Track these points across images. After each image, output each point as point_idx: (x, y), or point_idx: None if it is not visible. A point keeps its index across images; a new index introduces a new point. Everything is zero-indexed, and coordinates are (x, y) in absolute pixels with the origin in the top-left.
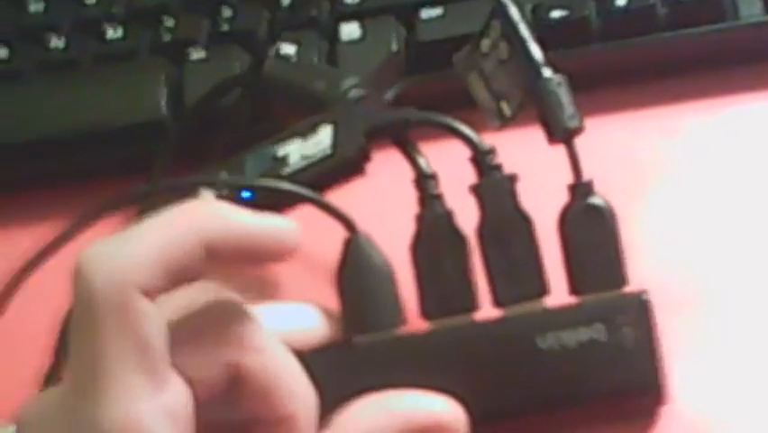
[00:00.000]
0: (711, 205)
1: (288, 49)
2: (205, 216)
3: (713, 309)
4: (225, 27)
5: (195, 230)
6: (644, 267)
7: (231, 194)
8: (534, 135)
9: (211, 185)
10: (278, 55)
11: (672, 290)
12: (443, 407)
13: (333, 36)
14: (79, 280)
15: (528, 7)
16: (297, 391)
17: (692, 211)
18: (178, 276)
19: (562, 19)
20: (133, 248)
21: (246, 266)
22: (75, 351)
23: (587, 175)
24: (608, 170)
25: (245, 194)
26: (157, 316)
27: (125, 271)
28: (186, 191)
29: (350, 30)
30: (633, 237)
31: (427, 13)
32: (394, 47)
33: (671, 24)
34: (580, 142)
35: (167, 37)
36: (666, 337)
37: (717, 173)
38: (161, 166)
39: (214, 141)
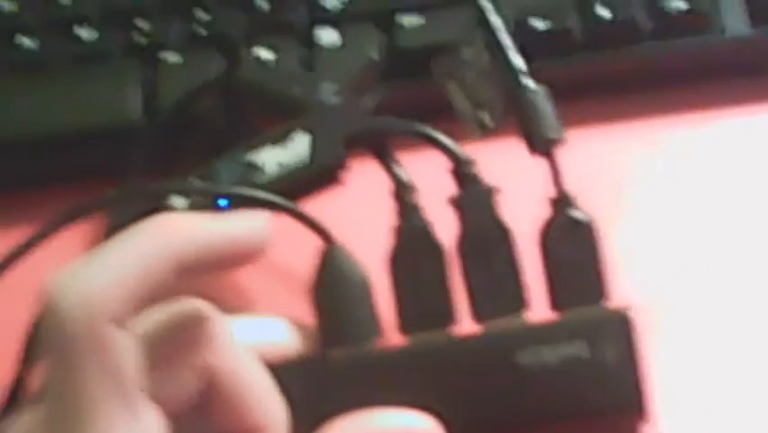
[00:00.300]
0: (693, 219)
1: (266, 54)
2: (173, 232)
3: (693, 326)
4: (202, 31)
5: (164, 250)
6: (625, 281)
7: (205, 201)
8: (514, 147)
9: (184, 192)
10: (254, 59)
11: (651, 306)
12: (421, 424)
13: (311, 42)
14: (50, 314)
15: (511, 17)
16: (266, 402)
17: (674, 225)
18: (150, 299)
19: (545, 30)
20: (103, 277)
21: (218, 273)
22: (50, 385)
23: (568, 187)
24: (589, 182)
25: (221, 202)
26: (130, 345)
27: (96, 303)
28: (157, 197)
29: (328, 36)
30: (614, 250)
31: (407, 20)
32: (373, 54)
33: (655, 36)
34: (561, 154)
35: (142, 40)
36: (648, 354)
37: (699, 187)
38: (135, 171)
39: (188, 146)
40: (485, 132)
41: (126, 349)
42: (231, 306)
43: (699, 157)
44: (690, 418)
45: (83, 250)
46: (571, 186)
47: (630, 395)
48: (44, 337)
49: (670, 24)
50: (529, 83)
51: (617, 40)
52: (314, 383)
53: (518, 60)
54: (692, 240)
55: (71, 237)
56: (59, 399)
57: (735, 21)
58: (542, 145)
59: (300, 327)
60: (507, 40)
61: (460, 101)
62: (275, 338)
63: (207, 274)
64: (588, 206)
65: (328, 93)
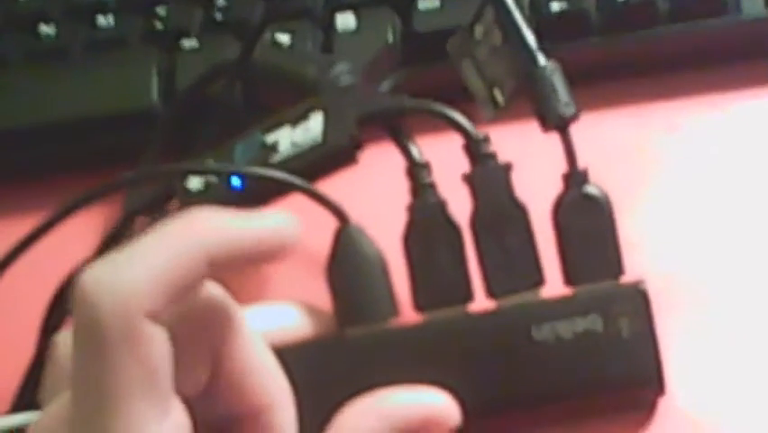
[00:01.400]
0: (711, 201)
1: (282, 38)
2: (205, 229)
3: (711, 303)
4: (219, 16)
5: (197, 246)
6: (643, 262)
7: (220, 181)
8: (528, 124)
9: (199, 172)
10: (270, 42)
11: (670, 285)
12: (437, 400)
13: (329, 26)
14: (83, 307)
15: (526, 0)
16: (270, 383)
17: (692, 207)
18: (183, 294)
19: (561, 12)
20: (137, 271)
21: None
22: (81, 377)
23: (584, 166)
24: (607, 165)
25: (235, 181)
26: (164, 339)
27: (131, 297)
28: (173, 178)
29: (345, 20)
30: (632, 232)
31: (424, 3)
32: (390, 38)
33: (672, 18)
34: (578, 136)
35: (159, 26)
36: (663, 330)
37: (717, 169)
38: (151, 154)
39: (203, 129)
40: (497, 109)
41: (159, 344)
42: (245, 288)
43: (716, 139)
44: (706, 391)
45: (100, 232)
46: (590, 168)
47: (646, 368)
48: (75, 329)
49: (687, 6)
50: (541, 59)
51: (634, 22)
52: (331, 363)
53: (531, 37)
54: (710, 221)
55: (88, 220)
56: (88, 391)
57: (751, 2)
58: (555, 122)
59: (314, 311)
60: (519, 16)
61: (473, 80)
62: (287, 324)
63: (236, 270)
64: (605, 187)
65: (342, 73)
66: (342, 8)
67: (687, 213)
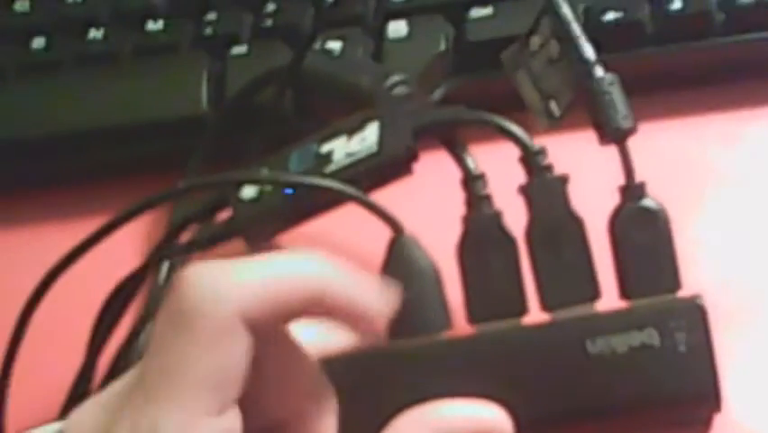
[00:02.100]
0: None
1: (333, 45)
2: (321, 268)
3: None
4: (269, 22)
5: (313, 279)
6: (700, 275)
7: (273, 191)
8: (585, 137)
9: (252, 181)
10: (321, 49)
11: (728, 299)
12: (489, 413)
13: (380, 34)
14: (184, 287)
15: (581, 8)
16: (314, 390)
17: (750, 220)
18: (280, 318)
19: (615, 21)
20: (249, 278)
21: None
22: (158, 350)
23: (641, 178)
24: (664, 177)
25: (288, 190)
26: (248, 346)
27: (235, 294)
28: (226, 187)
29: (397, 28)
30: (689, 244)
31: (477, 12)
32: (442, 46)
33: (727, 29)
34: (635, 147)
35: (209, 31)
36: (720, 344)
37: None
38: (197, 162)
39: (252, 136)
40: (553, 121)
41: (243, 348)
42: None
43: None
44: (763, 406)
45: (147, 241)
46: (646, 179)
47: (702, 384)
48: (166, 310)
49: (743, 17)
50: (599, 72)
51: (690, 32)
52: (382, 373)
53: (588, 49)
54: None
55: (140, 228)
56: (162, 369)
57: None
58: (613, 134)
59: None
60: (576, 28)
61: (528, 91)
62: (335, 336)
63: (323, 316)
64: (662, 199)
65: (397, 83)
66: (394, 16)
67: (745, 226)
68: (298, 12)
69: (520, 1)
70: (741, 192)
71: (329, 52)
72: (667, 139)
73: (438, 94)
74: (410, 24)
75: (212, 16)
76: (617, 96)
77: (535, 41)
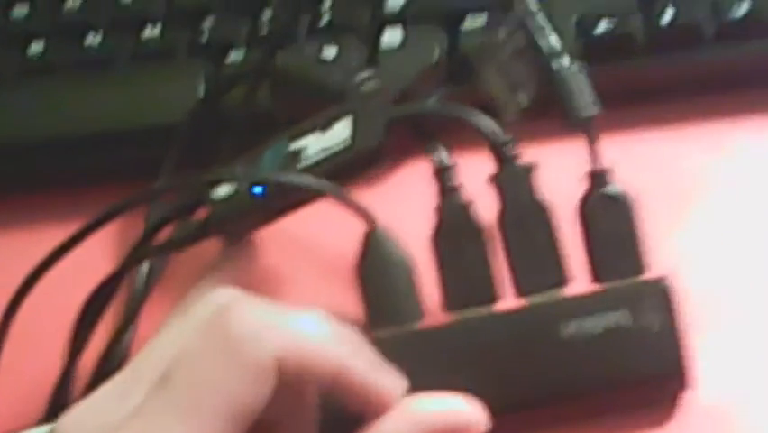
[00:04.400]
0: (755, 223)
1: (329, 52)
2: (347, 351)
3: (739, 304)
4: (265, 30)
5: (340, 358)
6: (684, 282)
7: (248, 189)
8: (553, 125)
9: (226, 180)
10: (315, 56)
11: (711, 302)
12: (465, 407)
13: (375, 41)
14: (235, 315)
15: (573, 19)
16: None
17: (735, 228)
18: (303, 377)
19: (607, 32)
20: (297, 329)
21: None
22: (191, 364)
23: (608, 166)
24: (650, 185)
25: (261, 187)
26: (272, 389)
27: (281, 342)
28: (200, 187)
29: (391, 36)
30: (674, 252)
31: (471, 21)
32: (436, 55)
33: (718, 40)
34: (622, 156)
35: (205, 38)
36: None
37: (762, 192)
38: (170, 164)
39: (224, 138)
40: (521, 111)
41: (268, 389)
42: (261, 292)
43: (761, 162)
44: (730, 385)
45: (122, 244)
46: (632, 188)
47: (672, 362)
48: (208, 329)
49: (733, 29)
50: (565, 61)
51: (681, 43)
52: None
53: (554, 38)
54: (752, 242)
55: (110, 232)
56: (189, 381)
57: None
58: (579, 121)
59: (338, 315)
60: (542, 18)
61: (496, 83)
62: None
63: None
64: (648, 207)
65: (367, 79)
66: (390, 24)
67: (730, 234)
68: (293, 20)
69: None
70: (727, 201)
71: (301, 53)
72: (655, 148)
73: (432, 102)
74: (405, 33)
75: (208, 23)
76: (582, 84)
77: (502, 33)
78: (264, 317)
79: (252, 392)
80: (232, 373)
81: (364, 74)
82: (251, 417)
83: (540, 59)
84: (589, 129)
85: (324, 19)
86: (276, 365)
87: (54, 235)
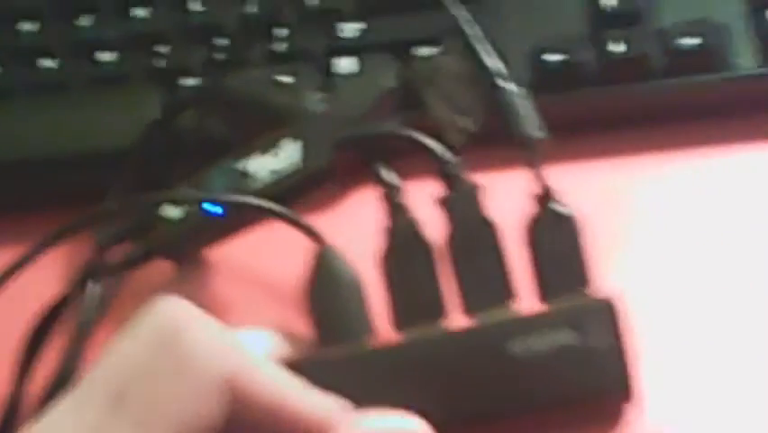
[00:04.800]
0: (698, 252)
1: (284, 79)
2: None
3: (679, 315)
4: (220, 56)
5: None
6: (628, 305)
7: (197, 210)
8: (498, 154)
9: (176, 201)
10: (243, 73)
11: (653, 327)
12: (411, 425)
13: (330, 69)
14: (187, 331)
15: (525, 50)
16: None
17: (678, 255)
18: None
19: (558, 62)
20: (243, 346)
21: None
22: (144, 380)
23: (552, 185)
24: (595, 215)
25: (214, 209)
26: (226, 411)
27: (229, 357)
28: (149, 208)
29: (345, 64)
30: (619, 276)
31: (423, 50)
32: (391, 82)
33: (667, 72)
34: (569, 185)
35: (161, 63)
36: (632, 340)
37: (704, 221)
38: (117, 191)
39: (176, 161)
40: (466, 136)
41: (224, 407)
42: (221, 316)
43: (705, 191)
44: (676, 400)
45: (70, 266)
46: (582, 214)
47: (617, 379)
48: (159, 344)
49: (682, 62)
50: (508, 85)
51: (631, 75)
52: (311, 382)
53: (496, 63)
54: (695, 270)
55: (59, 255)
56: (145, 398)
57: (745, 59)
58: (524, 144)
59: (288, 335)
60: (481, 45)
61: (439, 108)
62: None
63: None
64: (593, 235)
65: (314, 101)
66: (344, 53)
67: (673, 262)
68: (249, 46)
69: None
70: (671, 230)
71: (248, 76)
72: (601, 177)
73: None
74: (359, 61)
75: (163, 49)
76: (526, 106)
77: (442, 59)
78: (216, 335)
79: (206, 411)
80: (184, 392)
81: (314, 96)
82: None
83: (485, 84)
84: (534, 149)
85: (280, 47)
86: (228, 385)
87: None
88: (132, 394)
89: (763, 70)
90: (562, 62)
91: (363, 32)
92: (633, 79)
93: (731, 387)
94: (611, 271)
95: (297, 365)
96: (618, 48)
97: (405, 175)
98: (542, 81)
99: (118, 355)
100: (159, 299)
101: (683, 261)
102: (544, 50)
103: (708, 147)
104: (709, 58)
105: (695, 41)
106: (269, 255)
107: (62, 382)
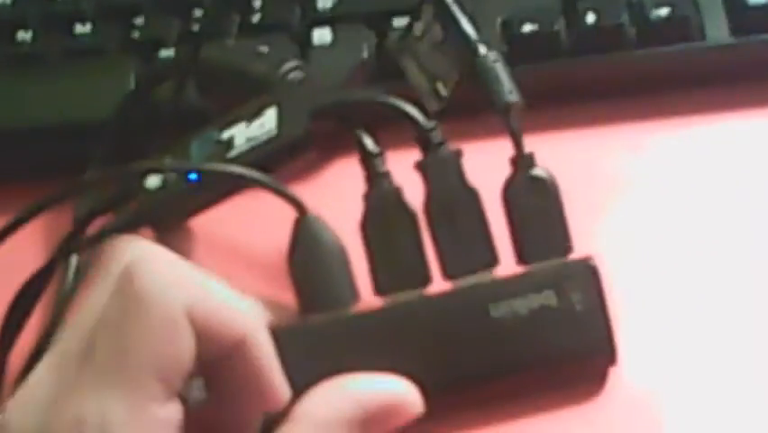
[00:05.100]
0: (673, 220)
1: (260, 49)
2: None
3: (659, 279)
4: (196, 27)
5: (246, 323)
6: (612, 282)
7: (178, 179)
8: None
9: (156, 170)
10: (219, 43)
11: (633, 303)
12: (399, 387)
13: (305, 40)
14: (138, 271)
15: (498, 21)
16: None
17: (653, 222)
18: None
19: (531, 33)
20: (199, 282)
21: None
22: (109, 331)
23: (530, 151)
24: (571, 185)
25: (192, 176)
26: (192, 342)
27: (186, 293)
28: (130, 179)
29: (321, 35)
30: (596, 242)
31: (398, 21)
32: (364, 54)
33: (639, 43)
34: (545, 156)
35: (136, 35)
36: (612, 302)
37: (679, 190)
38: (97, 162)
39: (154, 133)
40: (441, 102)
41: (189, 340)
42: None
43: (679, 161)
44: (655, 361)
45: (51, 238)
46: (561, 187)
47: (598, 340)
48: (113, 296)
49: (653, 32)
50: (483, 50)
51: (603, 46)
52: (293, 350)
53: (470, 29)
54: (672, 240)
55: (38, 226)
56: (111, 348)
57: (716, 29)
58: (500, 108)
59: (273, 302)
60: (457, 10)
61: (415, 75)
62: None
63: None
64: (569, 207)
65: (292, 69)
66: (320, 23)
67: (649, 233)
68: (225, 17)
69: None
70: (646, 200)
71: (222, 42)
72: (577, 148)
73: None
74: (334, 32)
75: (139, 20)
76: (501, 71)
77: (419, 26)
78: (171, 270)
79: (174, 346)
80: (147, 332)
81: (290, 64)
82: (183, 369)
83: (459, 49)
84: (510, 115)
85: (256, 17)
86: (187, 316)
87: None
88: (99, 347)
89: (732, 40)
90: (535, 33)
91: (339, 2)
92: (606, 50)
93: (709, 350)
94: (587, 238)
95: (279, 332)
96: (591, 18)
97: (383, 144)
98: (515, 51)
99: (85, 308)
100: (116, 243)
101: (659, 230)
102: (518, 21)
103: (681, 117)
104: (681, 28)
105: (665, 11)
106: (251, 224)
107: (43, 351)
